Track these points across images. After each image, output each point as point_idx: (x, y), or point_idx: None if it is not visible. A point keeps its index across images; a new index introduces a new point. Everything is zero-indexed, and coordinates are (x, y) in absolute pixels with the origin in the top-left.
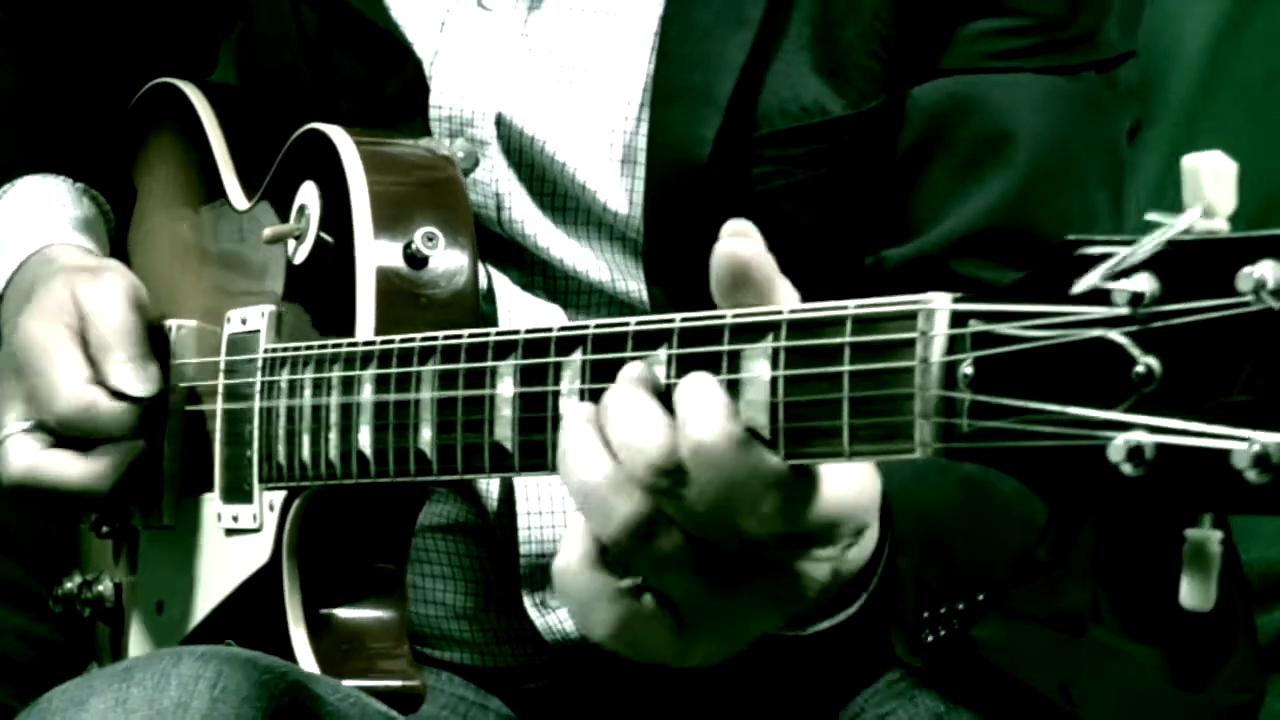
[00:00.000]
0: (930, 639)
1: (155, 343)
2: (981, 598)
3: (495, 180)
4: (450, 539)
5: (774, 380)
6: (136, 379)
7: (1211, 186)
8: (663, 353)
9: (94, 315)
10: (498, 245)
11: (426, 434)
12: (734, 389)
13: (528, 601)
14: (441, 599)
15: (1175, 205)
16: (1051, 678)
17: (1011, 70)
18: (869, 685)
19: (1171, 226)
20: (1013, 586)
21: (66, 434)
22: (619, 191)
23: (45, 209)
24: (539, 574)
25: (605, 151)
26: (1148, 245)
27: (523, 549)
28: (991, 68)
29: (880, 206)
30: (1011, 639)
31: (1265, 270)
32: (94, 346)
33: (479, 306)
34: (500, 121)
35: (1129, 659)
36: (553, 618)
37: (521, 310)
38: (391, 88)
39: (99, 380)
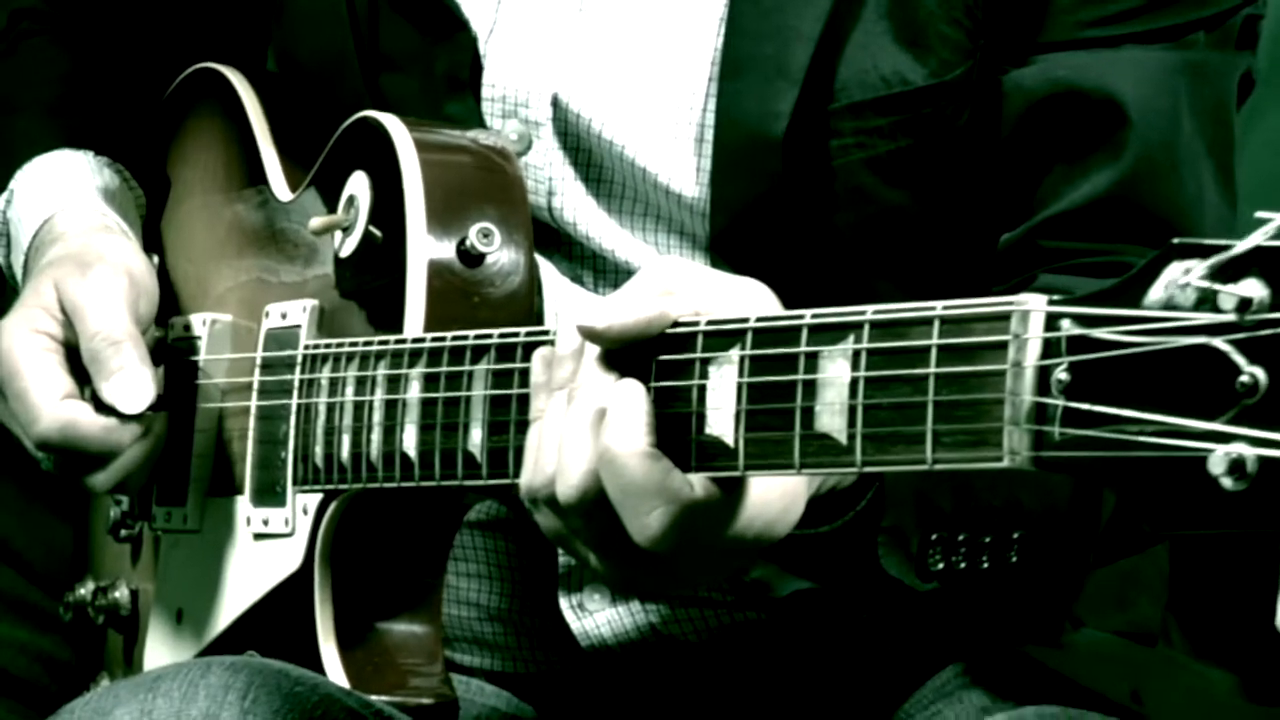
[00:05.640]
0: (940, 565)
1: (161, 344)
2: (1018, 535)
3: (548, 164)
4: (486, 535)
5: (854, 382)
6: (127, 393)
7: None
8: (735, 353)
9: (81, 318)
10: (546, 234)
11: (476, 435)
12: (810, 391)
13: (564, 603)
14: (475, 599)
15: None
16: (1122, 685)
17: (1115, 40)
18: (915, 692)
19: (1272, 223)
20: (1038, 534)
21: (55, 455)
22: (683, 172)
23: (61, 178)
24: (577, 574)
25: (669, 130)
26: (1245, 243)
27: None
28: (1094, 39)
29: (979, 184)
30: (1081, 644)
31: None
32: (83, 356)
33: (534, 307)
34: (556, 103)
35: (1200, 675)
36: (589, 621)
37: (569, 302)
38: (441, 65)
39: (84, 394)
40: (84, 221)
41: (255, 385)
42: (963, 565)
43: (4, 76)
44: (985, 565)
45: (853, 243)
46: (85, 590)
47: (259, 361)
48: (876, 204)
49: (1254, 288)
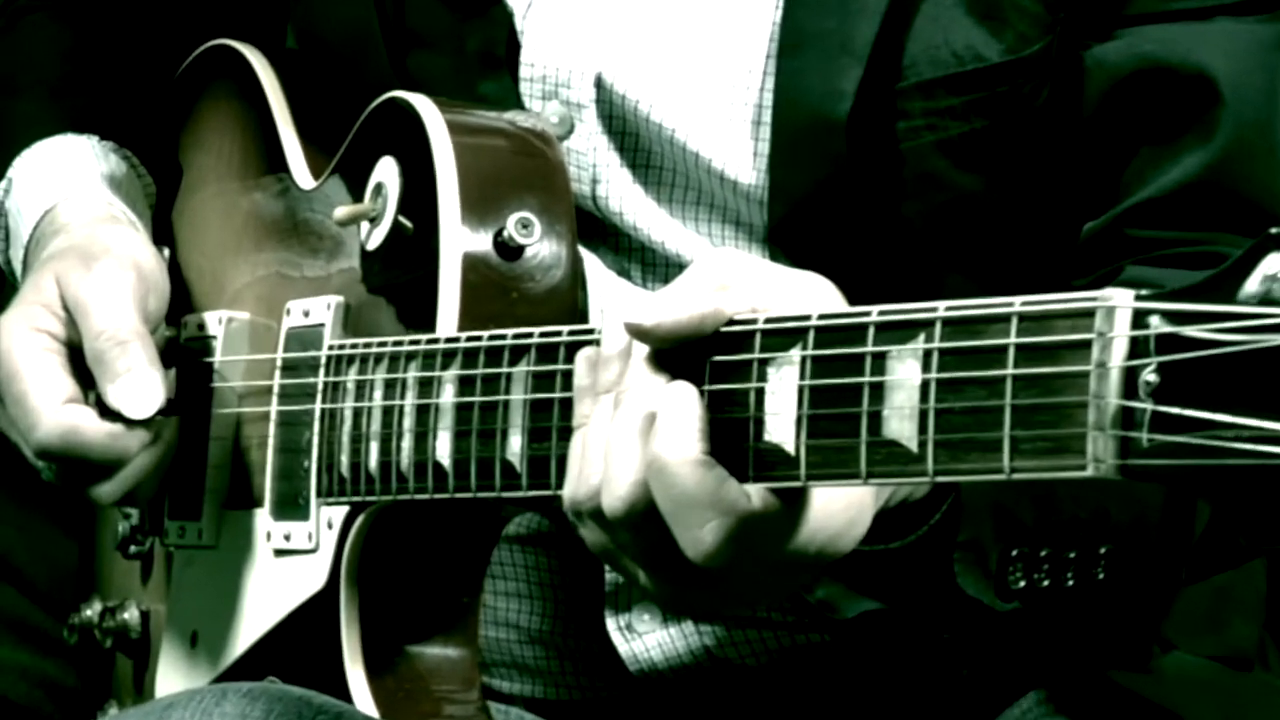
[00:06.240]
0: (1022, 583)
1: (172, 344)
2: (1104, 550)
3: (592, 149)
4: (526, 551)
5: (925, 384)
6: (135, 397)
7: None
8: (795, 354)
9: (85, 316)
10: (590, 225)
11: (516, 442)
12: (877, 394)
13: (611, 624)
14: (514, 620)
15: None
16: (1215, 714)
17: (1205, 11)
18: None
19: None
20: (1127, 548)
21: (56, 464)
22: (739, 157)
23: (64, 165)
24: (625, 592)
25: (724, 112)
26: None
27: None
28: (1183, 10)
29: (1059, 169)
30: (1171, 669)
31: None
32: (87, 357)
33: (577, 304)
34: (600, 83)
35: None
36: (639, 644)
37: (616, 299)
38: (474, 42)
39: (88, 398)
40: (89, 211)
41: (275, 389)
42: (1046, 583)
43: (2, 55)
44: (1070, 583)
45: (922, 232)
46: (91, 611)
47: (279, 363)
48: (947, 190)
49: None
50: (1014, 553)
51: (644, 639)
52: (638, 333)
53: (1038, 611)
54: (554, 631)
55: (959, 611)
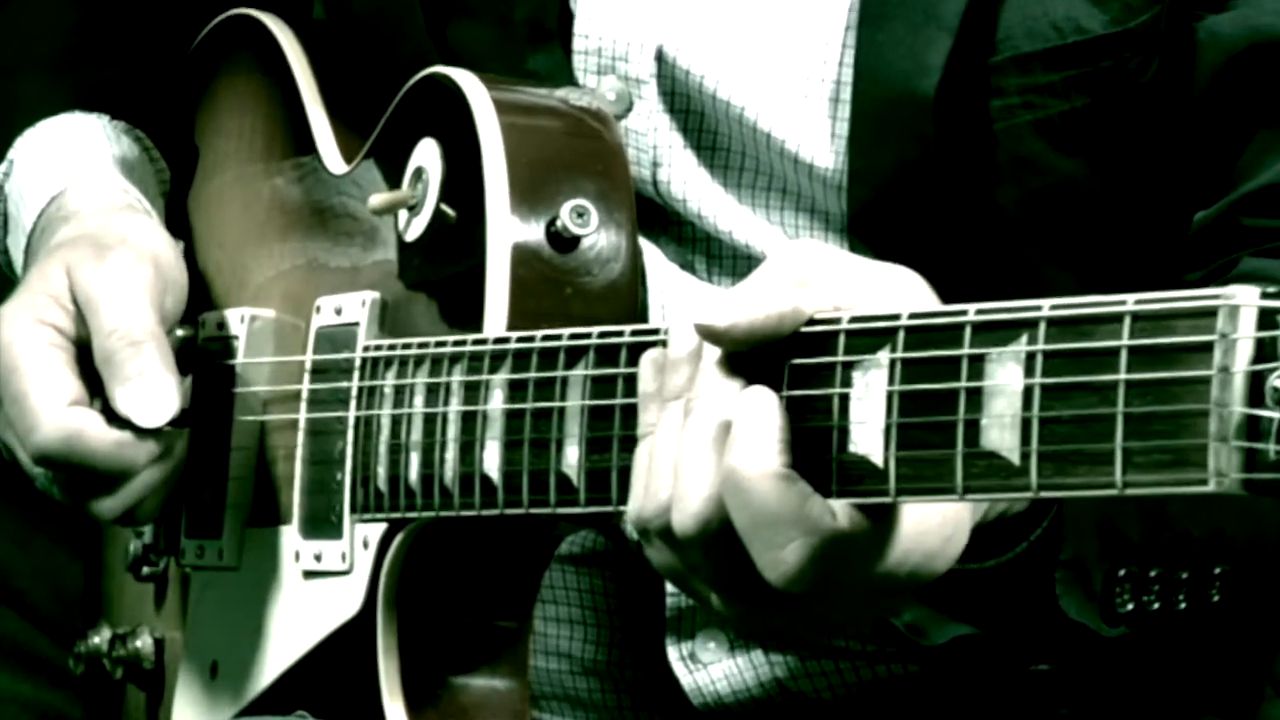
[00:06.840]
0: (1130, 606)
1: (189, 345)
2: (1219, 571)
3: (652, 130)
4: (580, 573)
5: (1028, 390)
6: (146, 403)
7: None
8: (884, 356)
9: (96, 312)
10: (651, 213)
11: (572, 453)
12: (975, 401)
13: (673, 654)
14: (566, 649)
15: None
16: None
17: None
18: None
19: None
20: (1245, 569)
21: (55, 472)
22: (816, 138)
23: (73, 146)
24: (688, 618)
25: (798, 88)
26: None
27: (669, 585)
28: None
29: (1167, 152)
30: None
31: None
32: (96, 356)
33: (638, 300)
34: (661, 56)
35: None
36: (703, 675)
37: (679, 294)
38: (522, 10)
39: (94, 402)
40: (102, 198)
41: (304, 394)
42: (1156, 606)
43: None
44: (1183, 606)
45: (1017, 221)
46: (100, 638)
47: (308, 366)
48: (1046, 175)
49: None
50: (1121, 572)
51: (709, 670)
52: (710, 335)
53: (1148, 637)
54: (610, 661)
55: (1060, 637)
